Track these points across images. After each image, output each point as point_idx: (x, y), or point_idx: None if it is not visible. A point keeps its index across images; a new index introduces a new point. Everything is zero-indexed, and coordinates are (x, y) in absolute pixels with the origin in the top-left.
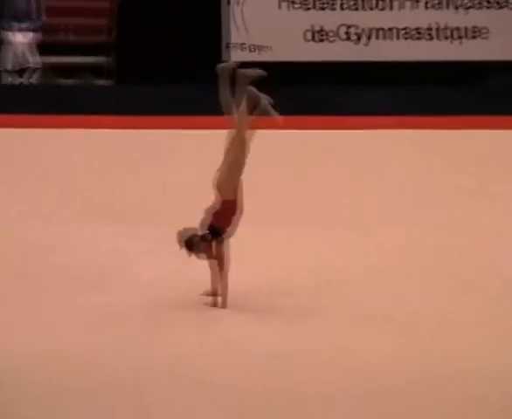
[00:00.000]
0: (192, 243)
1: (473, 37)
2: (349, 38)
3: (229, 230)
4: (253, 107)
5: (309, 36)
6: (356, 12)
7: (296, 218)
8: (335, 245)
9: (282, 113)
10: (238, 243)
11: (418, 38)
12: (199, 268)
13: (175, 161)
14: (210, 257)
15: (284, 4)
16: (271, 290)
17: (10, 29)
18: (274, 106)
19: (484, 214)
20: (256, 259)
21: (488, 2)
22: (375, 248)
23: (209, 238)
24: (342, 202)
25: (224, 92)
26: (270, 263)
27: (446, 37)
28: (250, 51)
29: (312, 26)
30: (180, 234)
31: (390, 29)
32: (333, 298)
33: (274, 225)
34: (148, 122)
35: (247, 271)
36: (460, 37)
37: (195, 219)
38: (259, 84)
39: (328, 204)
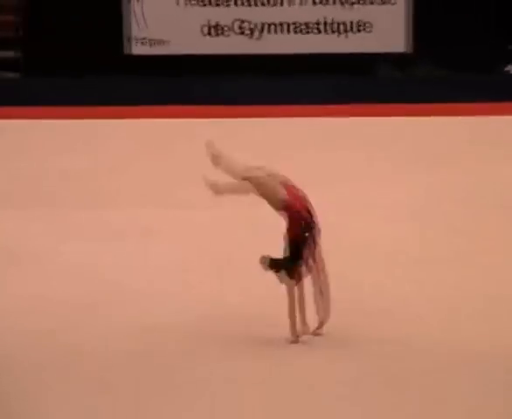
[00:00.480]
0: (277, 264)
1: (358, 31)
2: (242, 33)
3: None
4: None
5: (206, 30)
6: (249, 8)
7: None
8: None
9: (182, 103)
10: None
11: (307, 32)
12: None
13: (80, 148)
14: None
15: (182, 0)
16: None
17: None
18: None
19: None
20: None
21: None
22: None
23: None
24: None
25: None
26: None
27: (333, 31)
28: (150, 45)
29: (208, 21)
30: (263, 258)
31: (281, 23)
32: None
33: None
34: (51, 112)
35: None
36: (345, 31)
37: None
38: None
39: None
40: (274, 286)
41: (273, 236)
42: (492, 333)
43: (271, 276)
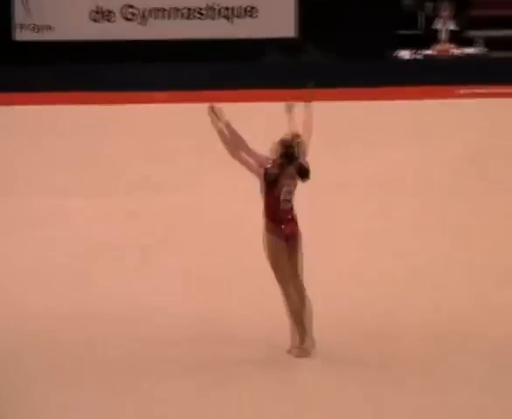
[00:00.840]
0: None
1: (245, 17)
2: (129, 19)
3: None
4: None
5: (92, 16)
6: None
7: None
8: None
9: (64, 89)
10: None
11: (194, 18)
12: None
13: None
14: None
15: None
16: None
17: None
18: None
19: None
20: None
21: None
22: None
23: None
24: None
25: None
26: None
27: (220, 17)
28: (35, 31)
29: (96, 7)
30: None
31: (168, 9)
32: None
33: None
34: None
35: None
36: (232, 17)
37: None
38: None
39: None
40: None
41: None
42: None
43: None
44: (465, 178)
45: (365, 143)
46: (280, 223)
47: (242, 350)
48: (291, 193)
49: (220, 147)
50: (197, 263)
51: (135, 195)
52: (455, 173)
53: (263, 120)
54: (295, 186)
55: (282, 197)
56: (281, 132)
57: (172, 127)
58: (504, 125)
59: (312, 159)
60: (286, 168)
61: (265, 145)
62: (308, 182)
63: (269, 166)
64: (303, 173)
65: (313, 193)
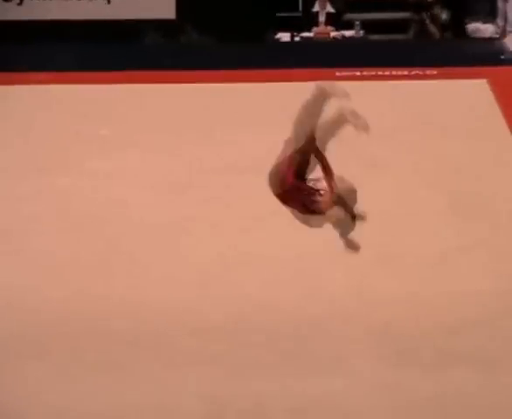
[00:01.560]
0: None
1: None
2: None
3: None
4: None
5: None
6: None
7: None
8: None
9: None
10: None
11: None
12: None
13: None
14: None
15: None
16: None
17: None
18: None
19: None
20: None
21: None
22: None
23: None
24: None
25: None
26: None
27: None
28: None
29: None
30: None
31: None
32: None
33: None
34: None
35: None
36: None
37: None
38: None
39: None
40: None
41: None
42: None
43: None
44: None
45: (242, 125)
46: None
47: None
48: None
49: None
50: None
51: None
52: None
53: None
54: None
55: None
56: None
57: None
58: (382, 106)
59: (195, 141)
60: None
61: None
62: (179, 166)
63: None
64: None
65: (196, 174)
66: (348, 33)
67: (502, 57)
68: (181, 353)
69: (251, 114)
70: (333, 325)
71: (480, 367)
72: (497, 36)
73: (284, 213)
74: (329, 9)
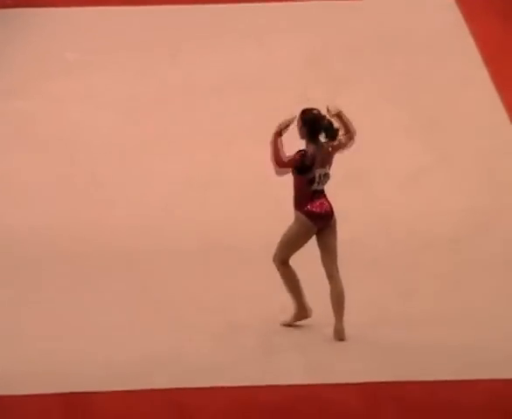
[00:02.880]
0: None
1: None
2: None
3: None
4: None
5: None
6: None
7: None
8: None
9: None
10: None
11: None
12: None
13: None
14: None
15: None
16: None
17: None
18: None
19: None
20: None
21: None
22: None
23: None
24: None
25: None
26: None
27: None
28: None
29: None
30: None
31: None
32: None
33: None
34: None
35: None
36: None
37: None
38: None
39: None
40: None
41: None
42: None
43: None
44: (302, 79)
45: (208, 46)
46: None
47: None
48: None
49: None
50: None
51: None
52: (293, 74)
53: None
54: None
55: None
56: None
57: None
58: (352, 25)
59: (162, 62)
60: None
61: None
62: (146, 87)
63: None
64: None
65: (162, 96)
66: None
67: None
68: (147, 273)
69: (217, 35)
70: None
71: (443, 282)
72: None
73: (249, 133)
74: None
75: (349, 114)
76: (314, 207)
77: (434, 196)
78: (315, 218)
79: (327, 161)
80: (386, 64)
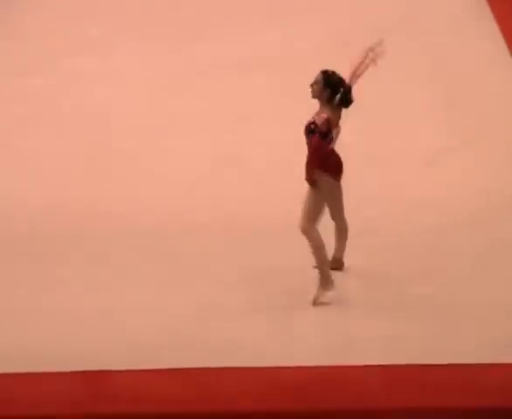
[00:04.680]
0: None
1: None
2: None
3: None
4: None
5: None
6: None
7: None
8: None
9: None
10: None
11: None
12: None
13: None
14: None
15: None
16: None
17: None
18: None
19: None
20: None
21: None
22: None
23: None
24: None
25: None
26: None
27: None
28: None
29: None
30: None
31: None
32: None
33: None
34: None
35: None
36: None
37: None
38: None
39: None
40: None
41: None
42: None
43: None
44: (326, 59)
45: (230, 25)
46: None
47: None
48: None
49: None
50: None
51: None
52: (317, 54)
53: None
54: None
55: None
56: None
57: None
58: (364, 6)
59: (185, 41)
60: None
61: None
62: (169, 65)
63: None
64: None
65: (185, 74)
66: None
67: None
68: (169, 251)
69: (242, 14)
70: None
71: (468, 266)
72: None
73: (271, 113)
74: None
75: (371, 95)
76: (337, 162)
77: (458, 177)
78: (339, 173)
79: (339, 119)
80: (409, 45)
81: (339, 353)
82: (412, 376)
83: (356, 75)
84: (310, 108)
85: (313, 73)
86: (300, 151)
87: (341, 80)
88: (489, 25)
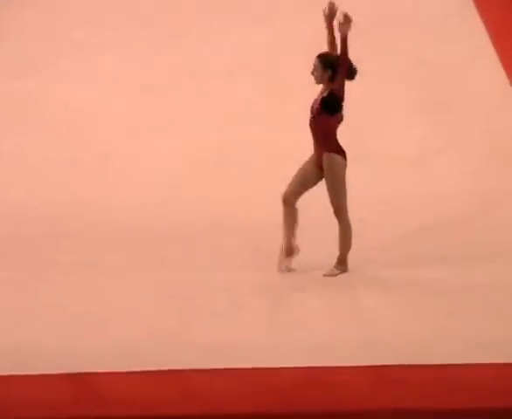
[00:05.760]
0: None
1: None
2: None
3: None
4: None
5: None
6: None
7: None
8: None
9: None
10: None
11: None
12: None
13: None
14: None
15: None
16: None
17: None
18: None
19: None
20: None
21: None
22: None
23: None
24: None
25: None
26: None
27: None
28: None
29: None
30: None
31: None
32: None
33: None
34: None
35: None
36: None
37: None
38: None
39: None
40: None
41: None
42: None
43: None
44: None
45: (216, 27)
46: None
47: None
48: None
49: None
50: None
51: None
52: (303, 56)
53: None
54: None
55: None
56: None
57: None
58: (349, 8)
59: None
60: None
61: None
62: (155, 67)
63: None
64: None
65: (171, 75)
66: None
67: None
68: (156, 252)
69: (228, 16)
70: (309, 221)
71: (454, 266)
72: None
73: (258, 114)
74: None
75: (357, 96)
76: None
77: (442, 178)
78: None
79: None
80: (394, 45)
81: (325, 354)
82: (399, 377)
83: (344, 49)
84: (298, 109)
85: (300, 74)
86: (287, 151)
87: (337, 57)
88: (475, 25)
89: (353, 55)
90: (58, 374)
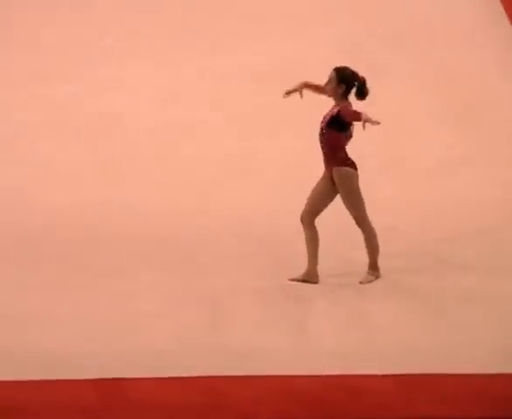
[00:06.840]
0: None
1: None
2: None
3: None
4: None
5: None
6: None
7: None
8: None
9: None
10: None
11: None
12: None
13: None
14: None
15: None
16: None
17: None
18: None
19: None
20: None
21: None
22: None
23: None
24: None
25: None
26: None
27: None
28: None
29: None
30: None
31: None
32: None
33: None
34: None
35: None
36: None
37: None
38: None
39: None
40: None
41: None
42: None
43: None
44: None
45: (244, 35)
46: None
47: None
48: None
49: None
50: None
51: None
52: (330, 63)
53: None
54: None
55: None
56: None
57: None
58: (375, 15)
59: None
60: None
61: None
62: (184, 74)
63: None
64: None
65: (199, 83)
66: None
67: None
68: (183, 258)
69: (255, 24)
70: (333, 227)
71: (480, 275)
72: None
73: (284, 122)
74: None
75: (384, 103)
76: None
77: (471, 187)
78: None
79: None
80: (422, 52)
81: (354, 362)
82: (429, 386)
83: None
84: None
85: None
86: (313, 159)
87: (354, 74)
88: (504, 31)
89: (382, 63)
90: (87, 379)
